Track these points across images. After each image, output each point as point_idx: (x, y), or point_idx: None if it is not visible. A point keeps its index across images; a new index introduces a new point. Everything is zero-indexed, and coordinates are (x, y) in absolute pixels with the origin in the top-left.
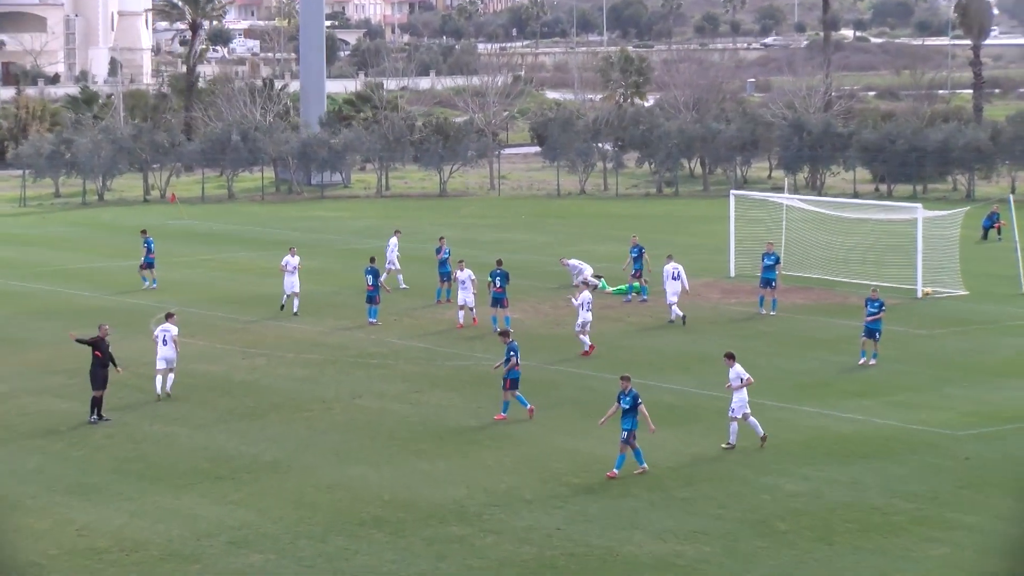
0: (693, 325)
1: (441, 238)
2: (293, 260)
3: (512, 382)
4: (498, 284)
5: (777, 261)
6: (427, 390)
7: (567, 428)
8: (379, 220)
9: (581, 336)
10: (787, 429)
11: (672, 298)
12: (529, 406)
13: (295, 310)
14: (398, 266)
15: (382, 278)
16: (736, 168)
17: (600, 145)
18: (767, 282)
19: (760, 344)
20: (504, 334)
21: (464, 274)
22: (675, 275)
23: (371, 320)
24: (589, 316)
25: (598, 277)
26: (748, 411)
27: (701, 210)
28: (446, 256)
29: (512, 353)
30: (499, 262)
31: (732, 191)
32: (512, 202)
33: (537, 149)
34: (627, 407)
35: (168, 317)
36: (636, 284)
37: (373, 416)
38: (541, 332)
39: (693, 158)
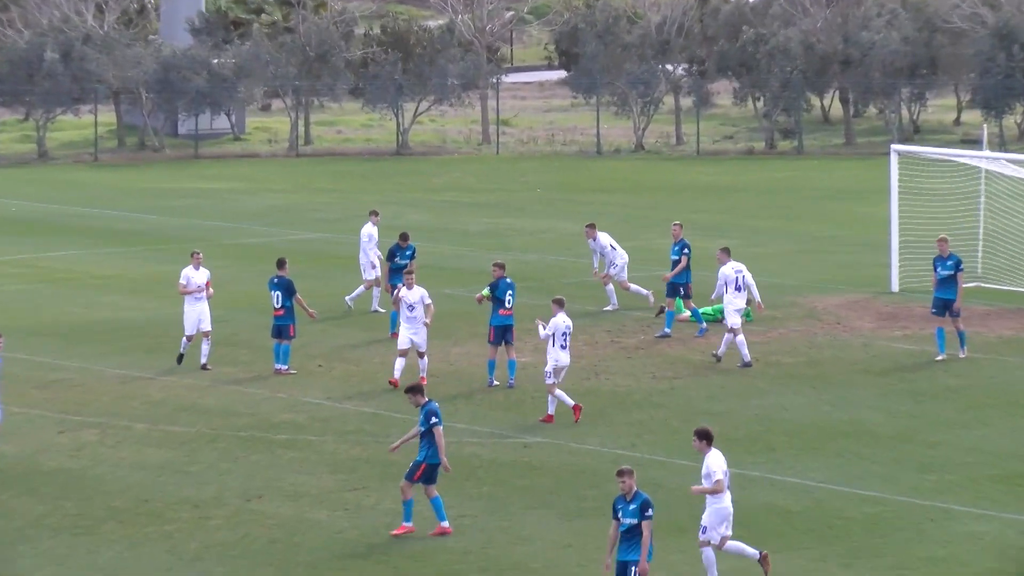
0: (826, 373)
1: (404, 236)
2: (200, 276)
3: (427, 471)
4: (508, 304)
5: (958, 268)
6: (374, 486)
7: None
8: (294, 194)
9: (552, 391)
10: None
11: (734, 319)
12: (443, 523)
13: (204, 360)
14: (378, 273)
15: (355, 293)
16: (901, 107)
17: (670, 68)
18: (943, 305)
19: (946, 409)
20: (415, 391)
21: (415, 294)
22: (739, 283)
23: (279, 367)
24: (566, 358)
25: (681, 291)
26: (729, 534)
27: (841, 177)
28: (406, 261)
29: (430, 422)
30: (501, 267)
31: (894, 146)
32: (519, 164)
33: (561, 75)
34: (630, 523)
35: None
36: (689, 309)
37: (281, 530)
38: (574, 387)
39: (828, 91)
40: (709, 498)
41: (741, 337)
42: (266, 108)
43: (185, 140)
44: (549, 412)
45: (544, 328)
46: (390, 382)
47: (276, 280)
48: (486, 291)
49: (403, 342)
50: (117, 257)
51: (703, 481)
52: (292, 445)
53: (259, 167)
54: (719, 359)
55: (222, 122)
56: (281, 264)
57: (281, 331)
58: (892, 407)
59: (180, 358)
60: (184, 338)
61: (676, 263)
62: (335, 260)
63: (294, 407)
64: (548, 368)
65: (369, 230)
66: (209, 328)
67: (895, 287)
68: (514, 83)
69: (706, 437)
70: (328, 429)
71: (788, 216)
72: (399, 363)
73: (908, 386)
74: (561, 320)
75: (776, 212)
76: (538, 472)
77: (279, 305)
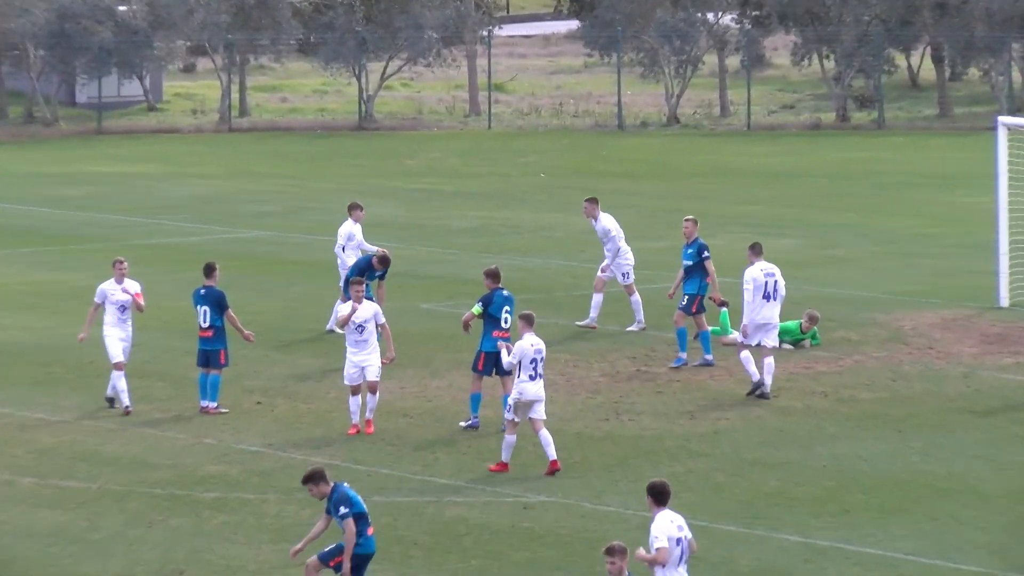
0: (915, 413)
1: (384, 259)
2: (122, 292)
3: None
4: (506, 323)
5: None
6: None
7: None
8: (226, 181)
9: (510, 431)
10: None
11: (768, 340)
12: None
13: (127, 403)
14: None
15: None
16: (1011, 68)
17: (713, 18)
18: None
19: None
20: (315, 480)
21: (366, 310)
22: (769, 289)
23: (206, 404)
24: (534, 390)
25: (724, 304)
26: None
27: (933, 159)
28: (372, 281)
29: (339, 512)
30: (494, 275)
31: (1002, 118)
32: (517, 142)
33: (571, 26)
34: None
35: None
36: (718, 327)
37: None
38: (588, 430)
39: (917, 47)
40: (657, 570)
41: (747, 355)
42: (190, 69)
43: (85, 111)
44: (502, 459)
45: (511, 354)
46: (350, 432)
47: (203, 292)
48: (477, 308)
49: (352, 375)
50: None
51: (652, 542)
52: (223, 506)
53: (181, 145)
54: (764, 394)
55: (133, 87)
56: (209, 271)
57: (209, 358)
58: (1001, 457)
59: (110, 403)
60: (113, 370)
61: (690, 270)
62: (281, 266)
63: (225, 456)
64: (509, 400)
65: (349, 229)
66: (124, 360)
67: (1004, 301)
68: (511, 37)
69: (654, 494)
70: (269, 485)
71: (866, 209)
72: (353, 404)
73: (1022, 430)
74: (529, 343)
75: (850, 203)
76: (542, 542)
77: (206, 324)
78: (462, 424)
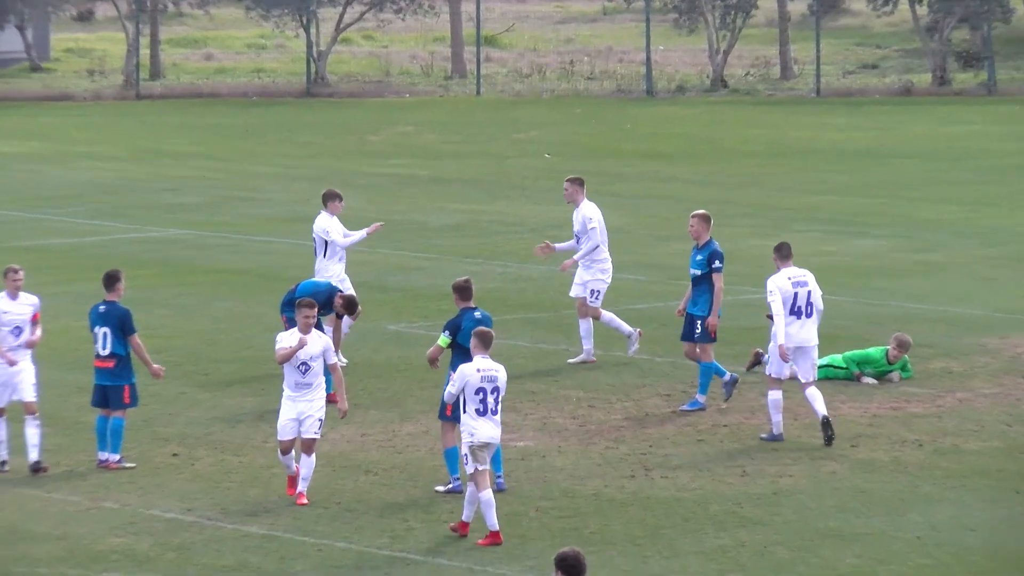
0: None
1: (348, 299)
2: (20, 308)
3: None
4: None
5: None
6: None
7: None
8: (133, 163)
9: (479, 491)
10: None
11: (803, 372)
12: None
13: (34, 457)
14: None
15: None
16: None
17: None
18: None
19: None
20: None
21: (314, 346)
22: (800, 302)
23: (106, 456)
24: (488, 430)
25: (759, 357)
26: None
27: None
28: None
29: None
30: (463, 290)
31: None
32: (512, 111)
33: None
34: None
35: None
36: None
37: None
38: (609, 490)
39: None
40: None
41: (777, 396)
42: (85, 17)
43: None
44: (488, 526)
45: (450, 384)
46: (296, 495)
47: (102, 310)
48: (444, 338)
49: (286, 428)
50: None
51: None
52: None
53: (74, 117)
54: (774, 436)
55: (10, 40)
56: (111, 283)
57: (109, 396)
58: None
59: (2, 465)
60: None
61: (700, 283)
62: (203, 275)
63: (131, 525)
64: (464, 449)
65: (326, 223)
66: (34, 398)
67: None
68: None
69: (565, 569)
70: (188, 562)
71: (971, 200)
72: (287, 462)
73: None
74: (474, 368)
75: (951, 193)
76: None
77: (106, 352)
78: (440, 489)
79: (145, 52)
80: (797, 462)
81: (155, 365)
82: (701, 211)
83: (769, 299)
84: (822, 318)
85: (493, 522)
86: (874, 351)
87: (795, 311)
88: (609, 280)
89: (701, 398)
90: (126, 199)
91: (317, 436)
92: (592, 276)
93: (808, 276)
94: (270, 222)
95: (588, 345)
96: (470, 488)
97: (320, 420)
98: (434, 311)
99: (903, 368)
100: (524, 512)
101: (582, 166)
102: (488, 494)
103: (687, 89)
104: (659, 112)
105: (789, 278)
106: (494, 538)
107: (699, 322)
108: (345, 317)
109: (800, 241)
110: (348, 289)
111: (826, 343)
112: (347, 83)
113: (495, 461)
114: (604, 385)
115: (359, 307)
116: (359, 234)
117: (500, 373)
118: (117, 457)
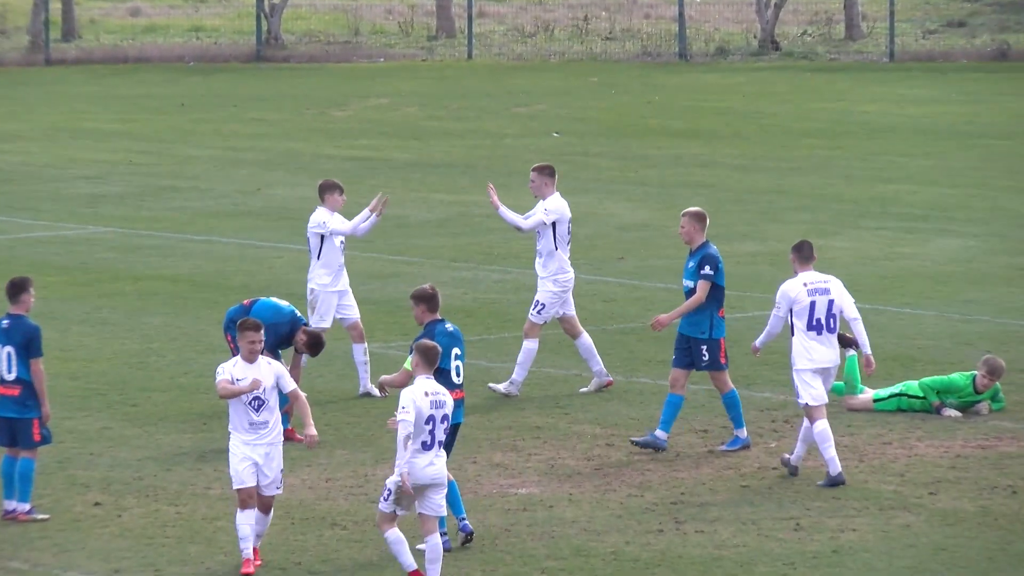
0: None
1: (314, 337)
2: None
3: None
4: (457, 377)
5: None
6: None
7: None
8: (43, 143)
9: (384, 530)
10: None
11: (810, 387)
12: None
13: None
14: (347, 313)
15: (362, 361)
16: None
17: None
18: None
19: None
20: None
21: (265, 376)
22: (819, 314)
23: (13, 506)
24: (436, 469)
25: (850, 345)
26: None
27: None
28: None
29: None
30: (429, 299)
31: None
32: (512, 78)
33: None
34: None
35: None
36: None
37: None
38: (631, 548)
39: None
40: None
41: (823, 426)
42: None
43: None
44: (408, 572)
45: (402, 413)
46: (244, 572)
47: (6, 325)
48: (409, 361)
49: (243, 474)
50: None
51: None
52: None
53: None
54: (792, 469)
55: None
56: (16, 291)
57: (16, 432)
58: None
59: None
60: None
61: (690, 294)
62: (128, 283)
63: None
64: (390, 481)
65: (322, 217)
66: None
67: None
68: None
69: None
70: None
71: None
72: (245, 521)
73: None
74: (422, 391)
75: None
76: None
77: (11, 376)
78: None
79: (56, 7)
80: (862, 513)
81: (46, 407)
82: (694, 208)
83: (775, 311)
84: (868, 329)
85: (409, 561)
86: (958, 377)
87: (813, 325)
88: (567, 288)
89: (741, 433)
90: (31, 188)
91: (278, 492)
92: (541, 286)
93: (833, 283)
94: (211, 217)
95: (596, 366)
96: (382, 530)
97: (280, 475)
98: (414, 327)
99: (993, 398)
100: (527, 574)
101: (598, 147)
102: (396, 533)
103: (729, 52)
104: (694, 80)
105: (805, 284)
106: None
107: (704, 348)
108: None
109: (869, 240)
110: (349, 307)
111: (900, 367)
112: (306, 44)
113: (454, 504)
114: (625, 419)
115: (323, 347)
116: (361, 215)
117: (448, 397)
118: (27, 507)
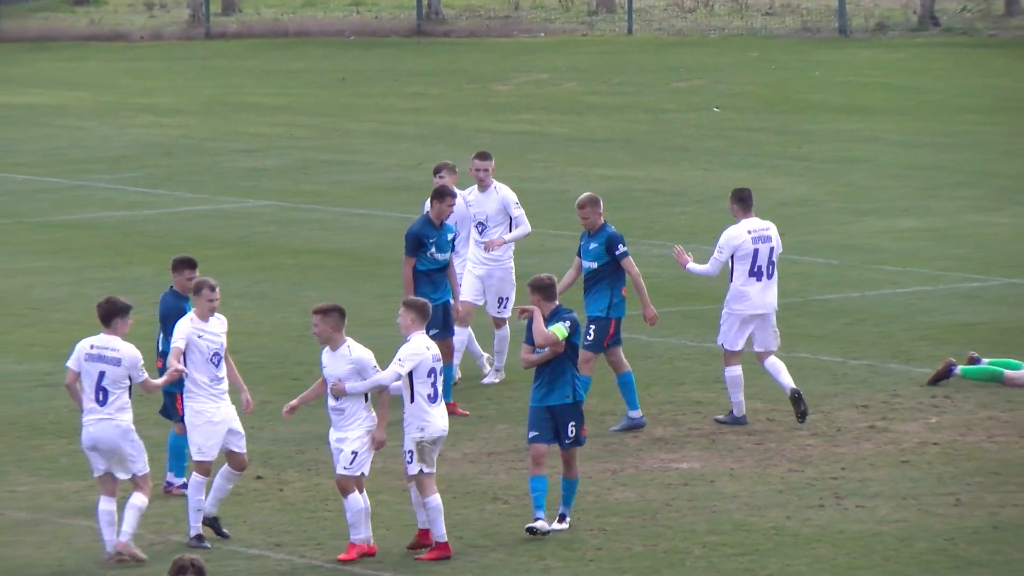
0: None
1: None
2: (215, 326)
3: None
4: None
5: None
6: None
7: None
8: (200, 117)
9: (427, 496)
10: None
11: (767, 343)
12: None
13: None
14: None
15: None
16: None
17: None
18: None
19: None
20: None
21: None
22: (760, 265)
23: (171, 482)
24: (438, 422)
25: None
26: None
27: None
28: None
29: None
30: (547, 288)
31: None
32: (672, 53)
33: None
34: None
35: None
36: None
37: None
38: (791, 523)
39: None
40: None
41: (737, 372)
42: None
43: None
44: (420, 526)
45: (396, 364)
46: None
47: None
48: (561, 328)
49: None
50: None
51: None
52: None
53: (128, 60)
54: (803, 412)
55: None
56: (184, 268)
57: (167, 405)
58: None
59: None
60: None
61: (595, 278)
62: (288, 257)
63: (206, 564)
64: (408, 445)
65: (464, 204)
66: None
67: None
68: None
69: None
70: None
71: None
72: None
73: None
74: (423, 345)
75: None
76: None
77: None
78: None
79: None
80: (1023, 489)
81: (245, 395)
82: (588, 195)
83: (716, 255)
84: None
85: (441, 532)
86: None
87: (754, 272)
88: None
89: (635, 414)
90: (192, 163)
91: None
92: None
93: (772, 230)
94: (371, 191)
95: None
96: (412, 493)
97: (354, 452)
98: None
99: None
100: (688, 549)
101: (758, 122)
102: (437, 499)
103: (889, 27)
104: (854, 56)
105: (749, 231)
106: (441, 550)
107: (593, 326)
108: (457, 328)
109: None
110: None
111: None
112: (466, 19)
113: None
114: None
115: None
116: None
117: (437, 350)
118: (182, 481)
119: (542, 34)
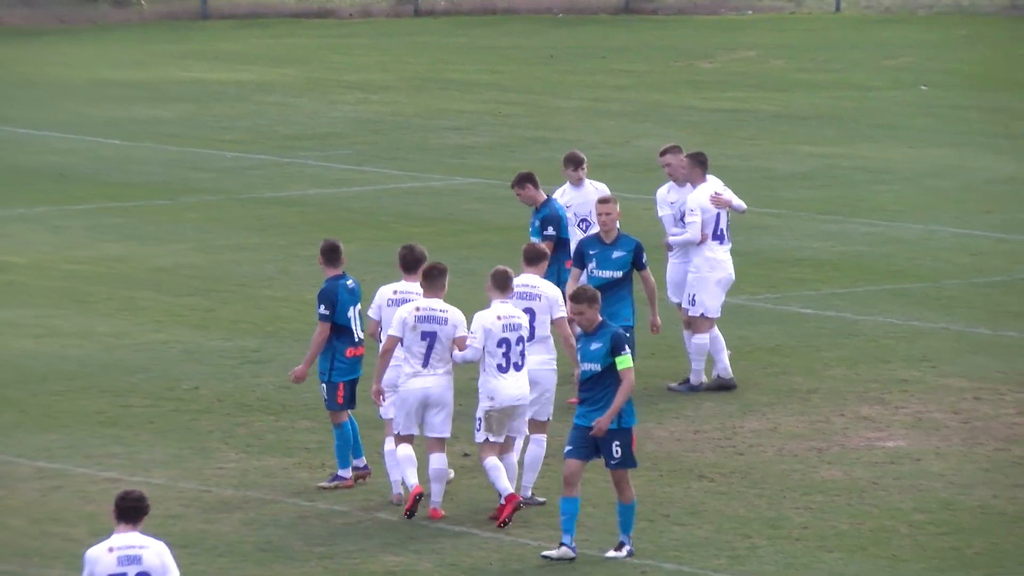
0: None
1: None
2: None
3: None
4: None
5: None
6: None
7: None
8: (411, 96)
9: (489, 459)
10: None
11: (715, 309)
12: None
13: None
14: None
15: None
16: None
17: None
18: None
19: None
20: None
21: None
22: (723, 227)
23: (364, 465)
24: (514, 389)
25: None
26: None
27: None
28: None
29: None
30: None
31: None
32: (880, 30)
33: None
34: None
35: None
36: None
37: None
38: (998, 502)
39: None
40: None
41: (705, 340)
42: None
43: None
44: (503, 496)
45: (471, 338)
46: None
47: (351, 285)
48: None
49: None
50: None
51: None
52: None
53: (336, 37)
54: (727, 382)
55: None
56: (334, 256)
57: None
58: None
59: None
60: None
61: (605, 286)
62: (502, 234)
63: (412, 541)
64: (478, 412)
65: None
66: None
67: None
68: None
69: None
70: None
71: None
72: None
73: None
74: (494, 316)
75: None
76: None
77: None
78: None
79: None
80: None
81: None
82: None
83: (688, 218)
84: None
85: (504, 485)
86: None
87: (717, 235)
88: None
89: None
90: (400, 139)
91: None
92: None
93: (729, 191)
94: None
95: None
96: (481, 458)
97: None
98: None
99: None
100: (894, 527)
101: (967, 100)
102: (493, 460)
103: None
104: None
105: (710, 196)
106: (509, 502)
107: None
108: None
109: None
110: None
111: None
112: None
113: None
114: (993, 372)
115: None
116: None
117: (524, 320)
118: (362, 462)
119: (749, 11)
